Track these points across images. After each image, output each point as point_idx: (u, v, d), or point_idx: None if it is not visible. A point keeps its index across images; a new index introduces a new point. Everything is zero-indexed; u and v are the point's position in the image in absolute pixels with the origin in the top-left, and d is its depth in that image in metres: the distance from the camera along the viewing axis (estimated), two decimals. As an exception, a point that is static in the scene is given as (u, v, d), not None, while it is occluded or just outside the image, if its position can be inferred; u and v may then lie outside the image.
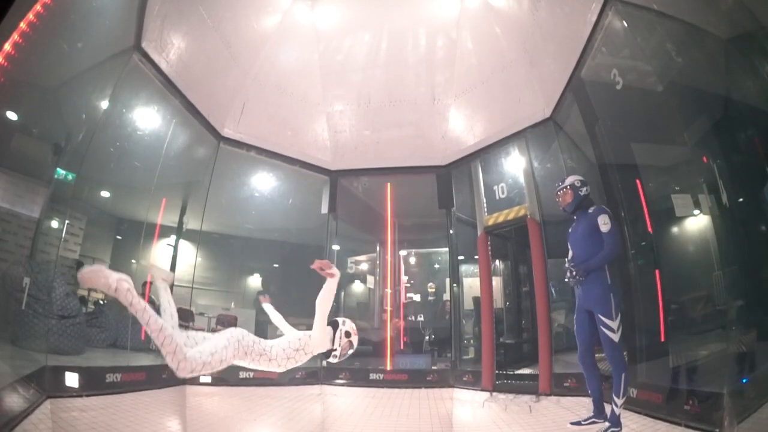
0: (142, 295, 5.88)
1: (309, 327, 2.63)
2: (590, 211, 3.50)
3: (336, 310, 8.01)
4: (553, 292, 5.71)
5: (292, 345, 2.59)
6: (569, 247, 3.63)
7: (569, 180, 3.63)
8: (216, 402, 5.17)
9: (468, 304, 7.13)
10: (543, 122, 5.76)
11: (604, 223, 3.37)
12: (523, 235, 5.85)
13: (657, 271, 3.99)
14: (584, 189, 3.58)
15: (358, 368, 6.51)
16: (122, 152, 5.42)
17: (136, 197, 6.00)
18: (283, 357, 2.54)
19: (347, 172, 7.53)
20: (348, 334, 2.78)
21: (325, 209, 7.46)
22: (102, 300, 5.75)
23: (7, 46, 2.99)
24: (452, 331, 6.78)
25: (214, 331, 7.33)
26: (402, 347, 7.10)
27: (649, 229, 4.17)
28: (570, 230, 3.68)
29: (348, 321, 2.86)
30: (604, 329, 3.26)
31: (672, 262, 4.10)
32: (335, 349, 2.74)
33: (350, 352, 2.81)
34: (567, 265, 3.56)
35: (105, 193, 5.92)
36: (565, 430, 3.58)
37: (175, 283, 6.46)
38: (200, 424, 4.20)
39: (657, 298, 3.88)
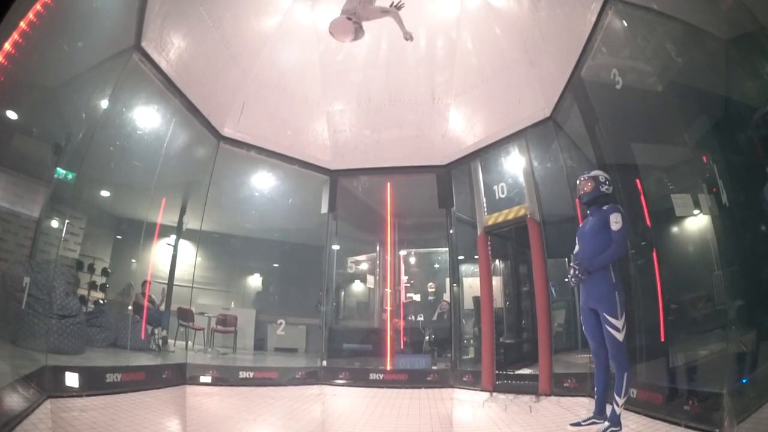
0: (142, 294, 5.93)
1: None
2: (605, 208, 3.49)
3: (336, 310, 8.07)
4: (553, 292, 5.71)
5: None
6: (577, 241, 3.63)
7: (595, 172, 3.62)
8: (216, 402, 5.16)
9: (468, 304, 7.12)
10: (543, 122, 5.75)
11: (615, 222, 3.36)
12: (523, 235, 5.84)
13: (657, 271, 3.99)
14: (605, 186, 3.56)
15: (358, 368, 6.50)
16: (122, 152, 5.43)
17: (136, 197, 6.02)
18: None
19: (347, 171, 7.51)
20: None
21: (325, 209, 7.46)
22: (102, 300, 5.75)
23: (7, 46, 2.99)
24: (452, 331, 6.78)
25: (214, 330, 7.39)
26: (402, 347, 7.10)
27: (649, 229, 4.17)
28: (580, 225, 3.68)
29: None
30: (608, 328, 3.25)
31: (672, 262, 4.09)
32: None
33: None
34: (572, 261, 3.54)
35: (105, 193, 5.94)
36: (565, 431, 3.58)
37: (175, 282, 6.49)
38: (200, 424, 4.19)
39: (657, 298, 3.87)
